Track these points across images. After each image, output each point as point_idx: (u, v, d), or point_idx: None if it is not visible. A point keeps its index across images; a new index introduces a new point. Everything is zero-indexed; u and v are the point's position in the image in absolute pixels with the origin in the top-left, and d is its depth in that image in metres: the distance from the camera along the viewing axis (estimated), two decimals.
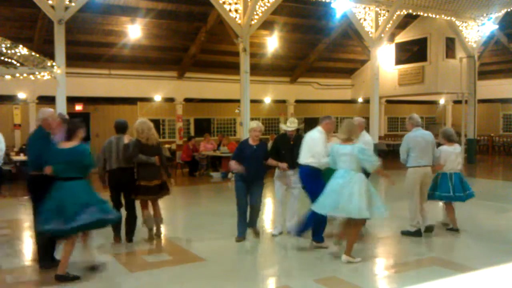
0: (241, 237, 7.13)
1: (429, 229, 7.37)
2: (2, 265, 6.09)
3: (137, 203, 7.11)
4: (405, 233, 7.33)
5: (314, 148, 6.53)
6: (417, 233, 7.25)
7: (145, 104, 20.10)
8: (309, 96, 21.96)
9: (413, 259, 6.19)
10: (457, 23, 18.27)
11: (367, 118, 19.77)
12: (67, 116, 7.09)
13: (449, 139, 7.67)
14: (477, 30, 18.62)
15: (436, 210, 8.31)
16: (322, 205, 5.99)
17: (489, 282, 5.40)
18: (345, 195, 5.81)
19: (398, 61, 20.08)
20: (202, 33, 16.79)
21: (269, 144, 8.78)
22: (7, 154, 10.69)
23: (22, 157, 13.38)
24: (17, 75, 11.00)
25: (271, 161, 7.08)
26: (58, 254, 5.81)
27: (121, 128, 7.17)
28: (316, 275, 5.56)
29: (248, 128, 7.33)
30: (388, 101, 23.37)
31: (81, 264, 5.75)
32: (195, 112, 21.28)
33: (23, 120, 17.23)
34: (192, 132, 20.22)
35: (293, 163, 7.08)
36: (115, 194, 7.00)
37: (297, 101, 21.83)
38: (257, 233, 7.36)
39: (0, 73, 10.64)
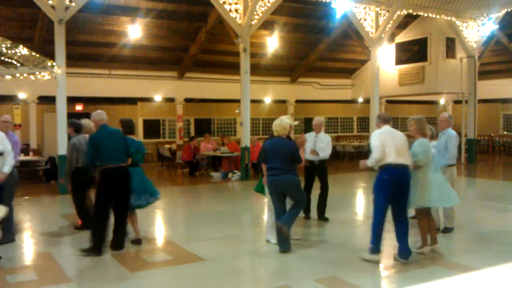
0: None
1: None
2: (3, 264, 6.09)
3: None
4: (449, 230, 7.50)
5: (407, 147, 6.12)
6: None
7: (145, 104, 20.13)
8: (309, 96, 21.96)
9: (413, 259, 6.18)
10: (457, 23, 18.27)
11: (367, 118, 19.89)
12: (10, 119, 7.50)
13: None
14: (477, 30, 18.65)
15: None
16: (436, 200, 6.15)
17: (489, 282, 5.42)
18: (447, 187, 6.25)
19: (398, 61, 20.06)
20: (202, 33, 16.80)
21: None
22: None
23: (23, 157, 13.29)
24: (17, 75, 11.03)
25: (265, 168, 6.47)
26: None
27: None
28: (316, 275, 5.56)
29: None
30: (388, 101, 23.34)
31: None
32: (195, 112, 21.30)
33: (24, 120, 17.24)
34: (192, 132, 20.23)
35: None
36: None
37: (297, 101, 21.83)
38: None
39: (1, 73, 10.67)
